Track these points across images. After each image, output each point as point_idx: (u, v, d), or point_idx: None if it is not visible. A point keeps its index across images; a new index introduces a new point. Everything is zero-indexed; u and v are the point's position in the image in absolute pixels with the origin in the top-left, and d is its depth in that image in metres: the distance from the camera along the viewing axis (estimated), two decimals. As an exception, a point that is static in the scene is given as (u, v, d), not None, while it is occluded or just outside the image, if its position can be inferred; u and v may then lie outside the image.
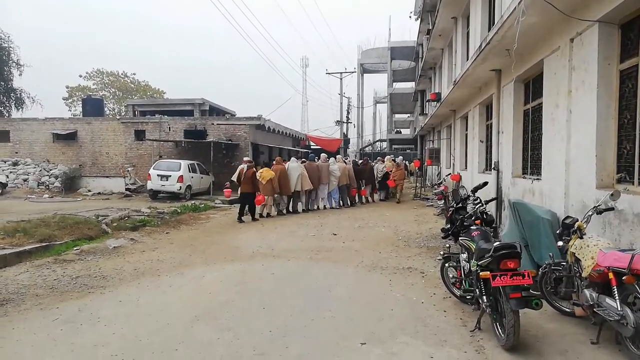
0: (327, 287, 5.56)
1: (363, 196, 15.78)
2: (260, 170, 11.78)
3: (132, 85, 47.08)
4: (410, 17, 29.25)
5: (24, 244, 7.36)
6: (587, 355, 3.57)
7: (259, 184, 11.52)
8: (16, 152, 22.39)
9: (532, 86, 7.23)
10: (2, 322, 4.40)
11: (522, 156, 7.73)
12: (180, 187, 16.81)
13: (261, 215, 11.94)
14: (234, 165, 20.04)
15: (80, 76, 45.54)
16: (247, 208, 11.48)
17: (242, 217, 11.32)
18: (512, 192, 7.71)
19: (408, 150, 40.97)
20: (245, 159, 12.79)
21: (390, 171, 16.10)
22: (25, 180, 19.94)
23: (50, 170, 20.69)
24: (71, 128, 22.28)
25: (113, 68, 48.36)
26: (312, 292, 5.37)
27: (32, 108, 30.92)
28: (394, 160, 16.83)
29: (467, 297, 4.40)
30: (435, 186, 16.66)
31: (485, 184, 6.07)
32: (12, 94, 29.60)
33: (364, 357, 3.59)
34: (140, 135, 21.86)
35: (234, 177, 12.24)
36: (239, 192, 12.20)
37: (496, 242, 3.98)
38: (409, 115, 50.42)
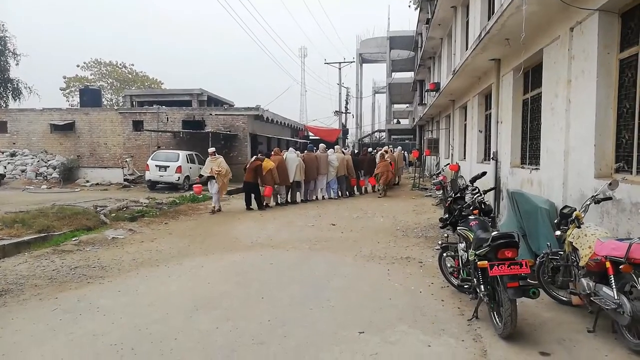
0: (325, 276, 5.59)
1: (362, 187, 15.79)
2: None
3: (130, 76, 46.74)
4: (409, 6, 29.04)
5: (22, 235, 7.36)
6: (583, 343, 3.60)
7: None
8: (14, 143, 22.29)
9: (532, 76, 7.19)
10: (1, 313, 4.41)
11: (521, 146, 7.72)
12: (179, 177, 16.81)
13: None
14: (233, 156, 20.05)
15: (78, 66, 45.28)
16: (253, 197, 11.77)
17: (250, 206, 11.75)
18: (511, 182, 7.71)
19: (407, 141, 40.91)
20: (210, 150, 12.13)
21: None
22: (23, 171, 19.90)
23: (48, 161, 20.63)
24: (69, 119, 22.18)
25: (111, 59, 48.05)
26: (311, 281, 5.39)
27: (30, 98, 30.68)
28: (392, 150, 16.71)
29: (465, 286, 4.43)
30: (434, 176, 16.68)
31: (484, 174, 6.05)
32: (9, 84, 29.34)
33: (363, 346, 3.61)
34: (138, 125, 21.79)
35: (203, 171, 11.81)
36: (209, 182, 11.74)
37: (494, 231, 3.98)
38: (407, 105, 50.27)
